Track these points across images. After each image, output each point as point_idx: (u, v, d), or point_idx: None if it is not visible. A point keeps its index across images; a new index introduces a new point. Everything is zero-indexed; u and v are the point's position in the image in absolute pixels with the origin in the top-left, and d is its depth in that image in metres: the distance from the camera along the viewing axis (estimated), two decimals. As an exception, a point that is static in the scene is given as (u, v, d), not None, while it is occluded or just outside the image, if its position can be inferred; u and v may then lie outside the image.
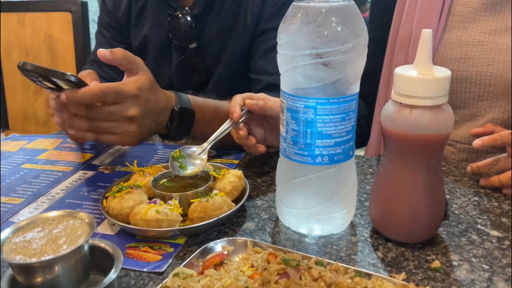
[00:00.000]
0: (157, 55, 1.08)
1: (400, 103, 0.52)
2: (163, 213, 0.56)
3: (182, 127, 0.77)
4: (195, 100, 0.79)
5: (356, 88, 0.54)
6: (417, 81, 0.50)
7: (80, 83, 0.67)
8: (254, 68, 1.00)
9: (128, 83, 0.69)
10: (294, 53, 0.51)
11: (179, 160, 0.68)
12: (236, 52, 1.01)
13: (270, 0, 0.96)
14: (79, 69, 1.65)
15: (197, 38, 1.02)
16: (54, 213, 0.47)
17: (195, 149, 0.70)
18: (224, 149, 0.87)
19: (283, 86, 0.55)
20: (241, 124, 0.73)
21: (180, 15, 0.99)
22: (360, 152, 1.14)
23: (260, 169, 0.80)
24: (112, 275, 0.45)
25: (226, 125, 0.72)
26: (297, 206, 0.59)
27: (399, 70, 0.52)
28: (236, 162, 0.83)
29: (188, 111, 0.77)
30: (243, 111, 0.72)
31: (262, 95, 0.74)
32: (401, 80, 0.51)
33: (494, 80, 0.79)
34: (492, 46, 0.79)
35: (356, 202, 0.66)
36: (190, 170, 0.67)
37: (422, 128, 0.51)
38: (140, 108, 0.69)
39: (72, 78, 0.65)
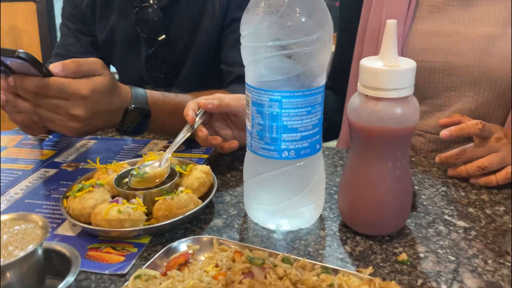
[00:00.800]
0: (125, 48, 1.04)
1: (366, 95, 0.51)
2: (126, 213, 0.54)
3: (135, 126, 0.75)
4: (153, 96, 0.77)
5: (322, 81, 0.53)
6: (382, 73, 0.49)
7: (34, 62, 0.63)
8: (224, 60, 0.98)
9: (81, 82, 0.67)
10: (257, 45, 0.50)
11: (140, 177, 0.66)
12: (205, 44, 0.99)
13: None
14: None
15: (165, 30, 0.99)
16: (5, 217, 0.45)
17: (156, 164, 0.67)
18: (193, 143, 0.85)
19: (247, 79, 0.54)
20: (200, 126, 0.71)
21: (147, 7, 0.96)
22: (332, 144, 1.14)
23: (230, 163, 0.78)
24: (69, 278, 0.43)
25: (183, 132, 0.70)
26: (265, 202, 0.58)
27: (365, 62, 0.51)
28: (206, 156, 0.81)
29: (143, 110, 0.75)
30: (199, 114, 0.71)
31: (217, 94, 0.73)
32: (367, 72, 0.50)
33: (462, 70, 0.79)
34: (460, 36, 0.79)
35: (326, 195, 0.65)
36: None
37: (388, 120, 0.50)
38: (87, 110, 0.67)
39: (23, 55, 0.62)
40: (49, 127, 0.72)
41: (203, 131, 0.71)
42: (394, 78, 0.49)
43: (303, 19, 0.48)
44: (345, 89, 0.94)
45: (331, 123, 0.98)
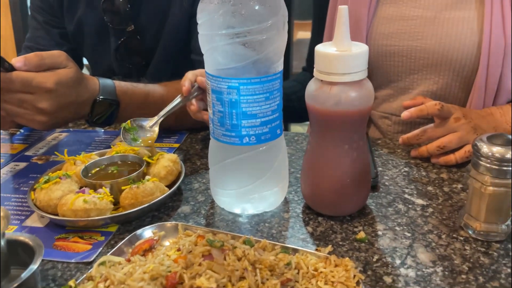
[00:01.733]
0: (94, 39, 1.04)
1: (321, 80, 0.52)
2: (91, 202, 0.55)
3: (104, 117, 0.75)
4: (121, 87, 0.78)
5: (279, 67, 0.54)
6: (335, 58, 0.50)
7: (11, 70, 0.64)
8: (194, 49, 0.98)
9: (45, 75, 0.67)
10: (213, 33, 0.50)
11: (131, 132, 0.68)
12: (175, 33, 0.99)
13: None
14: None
15: (133, 21, 0.99)
16: (-35, 210, 0.45)
17: (146, 121, 0.70)
18: (165, 132, 0.85)
19: (206, 68, 0.55)
20: (193, 100, 0.73)
21: (114, -3, 0.95)
22: (303, 129, 1.16)
23: (201, 151, 0.80)
24: (32, 266, 0.44)
25: (177, 100, 0.72)
26: (229, 187, 0.59)
27: (319, 48, 0.52)
28: (177, 145, 0.82)
29: (112, 101, 0.76)
30: (193, 87, 0.72)
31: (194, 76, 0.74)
32: (320, 58, 0.51)
33: (423, 53, 0.81)
34: (421, 20, 0.81)
35: (292, 179, 0.67)
36: (141, 141, 0.68)
37: (343, 104, 0.52)
38: (53, 102, 0.68)
39: (6, 65, 0.63)
40: (17, 122, 0.72)
41: (194, 105, 0.73)
42: (346, 63, 0.50)
43: (256, 7, 0.49)
44: None
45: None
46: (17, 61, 0.65)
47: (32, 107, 0.67)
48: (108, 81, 0.77)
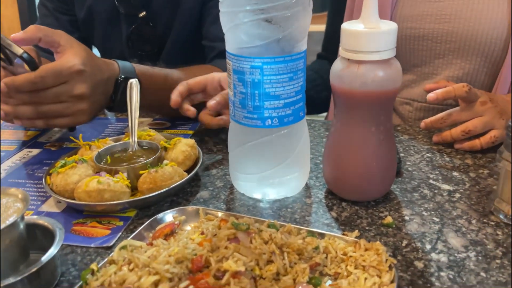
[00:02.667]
0: (104, 27, 1.02)
1: (348, 59, 0.50)
2: (105, 183, 0.53)
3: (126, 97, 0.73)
4: (140, 68, 0.76)
5: (303, 46, 0.52)
6: (363, 35, 0.48)
7: (31, 63, 0.62)
8: (206, 35, 0.96)
9: (68, 59, 0.64)
10: (236, 10, 0.49)
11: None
12: (187, 19, 0.97)
13: None
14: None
15: (146, 7, 0.97)
16: (-16, 192, 0.44)
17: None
18: (179, 120, 0.84)
19: (227, 47, 0.53)
20: (188, 106, 0.73)
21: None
22: (320, 118, 1.14)
23: (216, 137, 0.78)
24: (52, 250, 0.42)
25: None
26: (250, 171, 0.57)
27: (346, 26, 0.50)
28: (191, 132, 0.81)
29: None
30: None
31: (221, 95, 0.70)
32: (348, 36, 0.50)
33: (451, 37, 0.79)
34: (449, 2, 0.79)
35: (312, 165, 0.65)
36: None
37: (371, 84, 0.50)
38: (88, 84, 0.65)
39: (25, 56, 0.62)
40: (58, 125, 0.68)
41: (190, 110, 0.72)
42: (375, 40, 0.48)
43: (282, -18, 0.47)
44: None
45: (326, 95, 0.98)
46: (16, 37, 0.62)
47: (70, 96, 0.64)
48: (126, 62, 0.75)
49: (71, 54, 0.64)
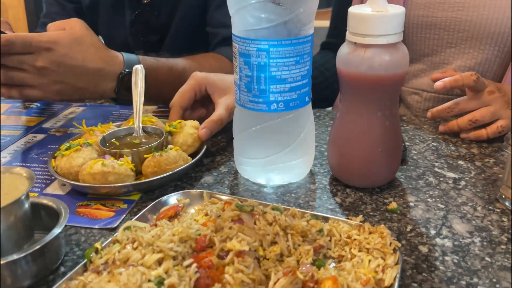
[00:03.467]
0: (109, 13, 1.02)
1: (355, 43, 0.50)
2: (110, 166, 0.53)
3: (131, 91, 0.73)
4: (145, 61, 0.76)
5: (310, 29, 0.52)
6: (371, 18, 0.48)
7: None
8: (210, 21, 0.96)
9: (43, 35, 0.66)
10: (243, -8, 0.48)
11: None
12: (191, 5, 0.96)
13: None
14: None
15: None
16: (-12, 170, 0.44)
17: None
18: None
19: (234, 30, 0.53)
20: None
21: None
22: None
23: (220, 125, 0.78)
24: (56, 230, 0.42)
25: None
26: (254, 156, 0.57)
27: (353, 9, 0.50)
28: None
29: None
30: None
31: (216, 115, 0.66)
32: (355, 19, 0.49)
33: (464, 25, 0.78)
34: None
35: (316, 152, 0.65)
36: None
37: (378, 67, 0.49)
38: (51, 61, 0.66)
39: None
40: (30, 96, 0.70)
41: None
42: (382, 23, 0.48)
43: (289, -37, 0.47)
44: None
45: (332, 89, 0.96)
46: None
47: (31, 66, 0.66)
48: (131, 55, 0.75)
49: (51, 33, 0.67)
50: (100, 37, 1.13)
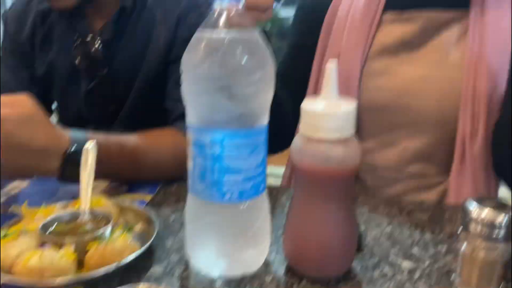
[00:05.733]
0: (63, 83, 1.00)
1: (308, 137, 0.50)
2: (48, 260, 0.49)
3: (77, 173, 0.69)
4: (95, 138, 0.73)
5: (265, 120, 0.52)
6: (323, 115, 0.49)
7: None
8: (168, 96, 0.95)
9: None
10: (197, 86, 0.48)
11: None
12: (149, 79, 0.96)
13: (183, 25, 0.93)
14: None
15: (107, 65, 0.96)
16: None
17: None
18: (136, 183, 0.81)
19: (188, 119, 0.52)
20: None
21: (88, 41, 0.93)
22: (277, 182, 1.11)
23: (175, 205, 0.75)
24: None
25: None
26: (206, 247, 0.55)
27: (306, 105, 0.51)
28: (149, 196, 0.77)
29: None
30: None
31: None
32: (308, 115, 0.50)
33: (408, 111, 0.82)
34: (403, 76, 0.82)
35: (273, 237, 0.63)
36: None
37: (331, 161, 0.50)
38: None
39: None
40: None
41: None
42: (335, 120, 0.49)
43: (244, 60, 0.48)
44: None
45: (288, 131, 0.92)
46: None
47: None
48: (79, 134, 0.72)
49: (3, 113, 0.63)
50: (55, 103, 1.09)
